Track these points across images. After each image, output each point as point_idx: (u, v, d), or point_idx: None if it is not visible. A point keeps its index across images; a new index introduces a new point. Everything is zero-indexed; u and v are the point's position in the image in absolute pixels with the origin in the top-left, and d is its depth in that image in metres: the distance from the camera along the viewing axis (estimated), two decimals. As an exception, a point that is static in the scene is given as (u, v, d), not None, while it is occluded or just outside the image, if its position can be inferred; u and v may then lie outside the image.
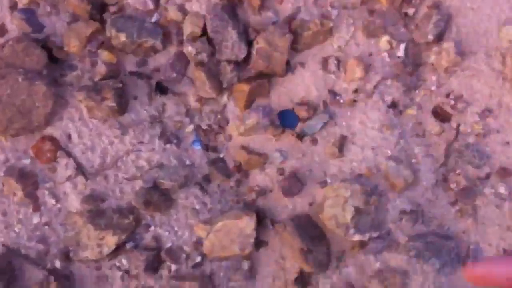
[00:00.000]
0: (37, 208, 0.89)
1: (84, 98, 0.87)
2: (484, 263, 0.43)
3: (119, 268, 0.89)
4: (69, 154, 0.89)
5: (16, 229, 0.88)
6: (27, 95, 0.86)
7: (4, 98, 0.85)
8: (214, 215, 0.91)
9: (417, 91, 0.95)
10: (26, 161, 0.89)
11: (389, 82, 0.93)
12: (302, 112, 0.92)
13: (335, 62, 0.92)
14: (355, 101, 0.93)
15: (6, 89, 0.86)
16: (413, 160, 0.95)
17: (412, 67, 0.93)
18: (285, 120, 0.93)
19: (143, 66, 0.91)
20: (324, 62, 0.93)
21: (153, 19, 0.91)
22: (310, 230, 0.90)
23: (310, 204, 0.94)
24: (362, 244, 0.91)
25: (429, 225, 0.94)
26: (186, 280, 0.87)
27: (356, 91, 0.93)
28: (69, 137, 0.90)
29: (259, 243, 0.92)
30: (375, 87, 0.93)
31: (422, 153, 0.95)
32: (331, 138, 0.93)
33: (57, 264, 0.87)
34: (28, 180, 0.89)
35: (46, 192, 0.89)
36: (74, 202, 0.89)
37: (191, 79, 0.92)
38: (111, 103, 0.87)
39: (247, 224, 0.87)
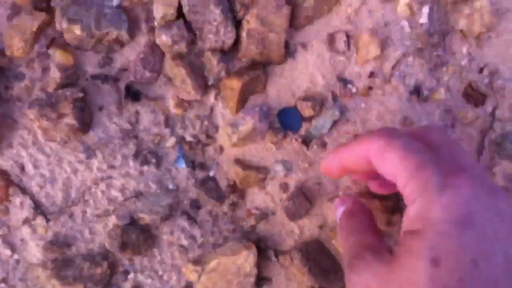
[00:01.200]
0: (-12, 262, 0.71)
1: (36, 116, 0.69)
2: (328, 157, 0.51)
3: (92, 329, 0.70)
4: (24, 190, 0.72)
5: (-40, 291, 0.69)
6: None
7: None
8: (206, 251, 0.72)
9: (444, 68, 0.77)
10: (-32, 203, 0.70)
11: (410, 59, 0.76)
12: (305, 109, 0.74)
13: (344, 38, 0.74)
14: (370, 88, 0.76)
15: None
16: (445, 158, 0.77)
17: (438, 37, 0.75)
18: (286, 121, 0.75)
19: (107, 66, 0.73)
20: (331, 40, 0.75)
21: (114, 3, 0.73)
22: (322, 261, 0.71)
23: (321, 227, 0.75)
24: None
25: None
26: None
27: (371, 75, 0.76)
28: (22, 168, 0.72)
29: (261, 281, 0.73)
30: (394, 67, 0.76)
31: (453, 148, 0.77)
32: (343, 139, 0.75)
33: (15, 332, 0.69)
34: (-31, 226, 0.71)
35: (-1, 241, 0.71)
36: (34, 251, 0.70)
37: (169, 78, 0.74)
38: (70, 120, 0.69)
39: (246, 259, 0.69)
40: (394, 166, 0.43)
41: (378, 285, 0.40)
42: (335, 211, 0.63)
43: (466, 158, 0.46)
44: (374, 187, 0.64)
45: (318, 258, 0.71)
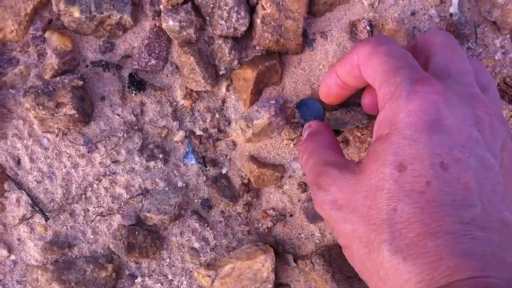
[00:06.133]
0: (-17, 263, 0.66)
1: (32, 105, 0.63)
2: (325, 76, 0.54)
3: None
4: (20, 186, 0.66)
5: (-46, 296, 0.65)
6: None
7: None
8: (220, 254, 0.68)
9: (475, 62, 0.72)
10: (-40, 199, 0.65)
11: (438, 51, 0.70)
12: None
13: (368, 27, 0.69)
14: (393, 80, 0.71)
15: None
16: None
17: (469, 29, 0.69)
18: (306, 114, 0.70)
19: (109, 52, 0.67)
20: (353, 29, 0.70)
21: (117, -16, 0.67)
22: (345, 267, 0.67)
23: (345, 230, 0.71)
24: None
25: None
26: None
27: (395, 66, 0.70)
28: (18, 161, 0.66)
29: (279, 287, 0.69)
30: (419, 59, 0.70)
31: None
32: (367, 135, 0.70)
33: None
34: (-38, 225, 0.65)
35: (-6, 240, 0.66)
36: (33, 252, 0.66)
37: (176, 66, 0.68)
38: (70, 110, 0.63)
39: (263, 264, 0.65)
40: (374, 71, 0.42)
41: (345, 197, 0.40)
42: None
43: (460, 64, 0.45)
44: (366, 105, 0.62)
45: (341, 263, 0.67)
